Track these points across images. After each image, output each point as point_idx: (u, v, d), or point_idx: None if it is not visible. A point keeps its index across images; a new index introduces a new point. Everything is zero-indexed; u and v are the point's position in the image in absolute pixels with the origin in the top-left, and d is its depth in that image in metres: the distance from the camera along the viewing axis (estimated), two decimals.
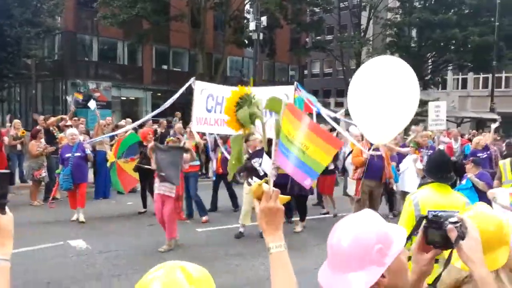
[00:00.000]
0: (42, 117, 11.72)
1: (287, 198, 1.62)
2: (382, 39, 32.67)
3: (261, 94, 6.97)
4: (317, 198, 10.71)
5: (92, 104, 11.30)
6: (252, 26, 18.63)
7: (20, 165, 11.69)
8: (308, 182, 1.61)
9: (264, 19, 18.95)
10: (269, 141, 1.61)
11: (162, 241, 7.54)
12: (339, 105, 46.65)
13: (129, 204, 10.15)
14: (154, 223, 8.71)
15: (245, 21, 28.21)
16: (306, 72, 47.65)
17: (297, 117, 1.69)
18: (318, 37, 36.89)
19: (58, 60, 31.62)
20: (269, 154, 1.72)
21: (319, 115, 8.93)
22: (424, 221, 1.35)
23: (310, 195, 8.88)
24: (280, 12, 27.69)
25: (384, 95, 3.92)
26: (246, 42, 28.72)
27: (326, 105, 45.33)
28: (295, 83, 8.15)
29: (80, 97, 11.94)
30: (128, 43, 30.84)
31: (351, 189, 8.55)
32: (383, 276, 1.22)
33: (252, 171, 7.13)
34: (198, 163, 9.33)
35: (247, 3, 28.86)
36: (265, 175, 8.04)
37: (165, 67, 34.71)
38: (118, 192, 10.67)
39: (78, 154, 8.51)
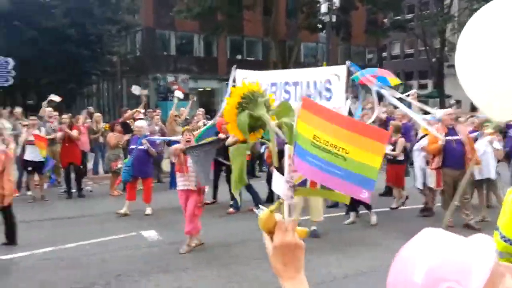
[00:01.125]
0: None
1: (305, 231, 1.27)
2: (468, 14, 30.17)
3: (307, 75, 6.33)
4: (386, 187, 9.86)
5: (135, 89, 11.51)
6: (324, 8, 17.95)
7: (102, 157, 12.25)
8: (365, 195, 1.28)
9: (336, 0, 18.16)
10: (281, 153, 1.30)
11: (233, 234, 7.44)
12: (423, 87, 44.15)
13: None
14: (223, 215, 8.68)
15: (318, 5, 27.41)
16: (385, 54, 45.58)
17: (322, 115, 1.33)
18: (397, 17, 34.99)
19: (140, 56, 33.05)
20: (280, 170, 1.39)
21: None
22: None
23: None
24: None
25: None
26: (320, 26, 27.94)
27: (408, 88, 43.19)
28: (347, 62, 7.49)
29: (144, 92, 12.14)
30: (203, 36, 31.39)
31: (431, 180, 7.80)
32: None
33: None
34: (248, 152, 9.02)
35: None
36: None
37: (239, 57, 34.93)
38: None
39: (141, 147, 8.55)
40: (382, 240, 6.89)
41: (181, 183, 6.55)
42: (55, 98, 11.47)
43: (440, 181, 7.50)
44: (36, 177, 9.88)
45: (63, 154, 9.95)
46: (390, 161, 8.71)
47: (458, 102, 24.12)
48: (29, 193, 9.83)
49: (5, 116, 11.28)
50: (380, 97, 8.02)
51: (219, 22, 28.40)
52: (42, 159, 9.43)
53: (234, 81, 8.55)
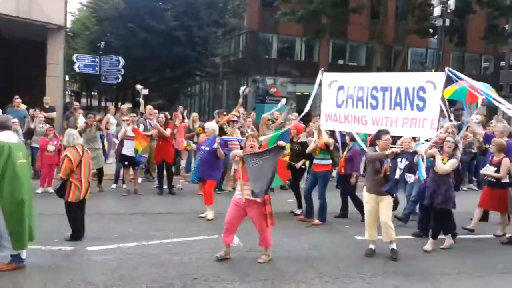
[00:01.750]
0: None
1: None
2: None
3: (398, 81, 5.49)
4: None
5: (242, 90, 11.28)
6: (437, 11, 16.61)
7: (196, 156, 12.41)
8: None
9: (451, 2, 16.69)
10: None
11: (318, 245, 6.98)
12: None
13: (290, 202, 9.81)
14: (310, 225, 8.24)
15: (431, 7, 25.68)
16: (503, 63, 41.57)
17: None
18: None
19: (242, 58, 33.71)
20: None
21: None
22: None
23: (453, 208, 7.02)
24: None
25: None
26: (431, 31, 26.16)
27: None
28: (446, 69, 6.58)
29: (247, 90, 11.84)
30: (305, 39, 31.10)
31: None
32: None
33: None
34: (330, 161, 8.32)
35: None
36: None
37: (341, 61, 34.08)
38: (280, 187, 10.44)
39: (207, 148, 8.15)
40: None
41: (238, 191, 6.11)
42: (143, 90, 11.76)
43: None
44: (131, 171, 10.23)
45: (157, 151, 10.20)
46: (492, 183, 7.59)
47: None
48: (124, 186, 10.20)
49: (112, 111, 11.89)
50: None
51: (322, 25, 27.91)
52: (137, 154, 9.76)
53: (320, 84, 8.02)
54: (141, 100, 11.70)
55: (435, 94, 6.55)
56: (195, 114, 12.89)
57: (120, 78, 17.49)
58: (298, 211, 8.94)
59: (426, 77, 6.72)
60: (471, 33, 30.36)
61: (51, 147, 9.61)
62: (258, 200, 5.91)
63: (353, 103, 7.45)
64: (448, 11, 16.81)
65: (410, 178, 6.30)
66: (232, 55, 34.60)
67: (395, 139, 6.92)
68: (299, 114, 13.30)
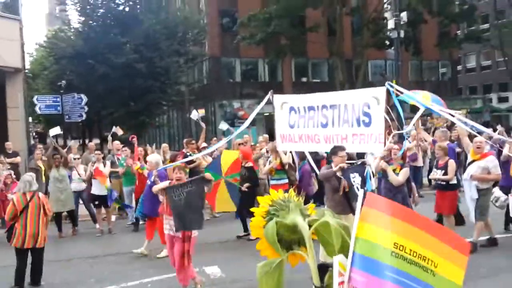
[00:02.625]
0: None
1: None
2: None
3: (345, 98, 5.61)
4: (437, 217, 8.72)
5: (194, 115, 11.17)
6: (391, 24, 17.16)
7: None
8: None
9: (404, 15, 17.30)
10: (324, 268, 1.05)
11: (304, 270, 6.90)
12: (503, 100, 41.10)
13: None
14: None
15: (384, 21, 26.56)
16: (459, 67, 43.18)
17: (398, 215, 0.99)
18: (471, 28, 33.06)
19: (207, 84, 33.79)
20: None
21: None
22: None
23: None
24: (423, 5, 25.41)
25: None
26: (387, 43, 26.99)
27: (487, 101, 40.43)
28: (387, 83, 6.67)
29: (201, 113, 11.61)
30: (268, 60, 31.51)
31: None
32: None
33: None
34: (286, 181, 8.40)
35: (385, 2, 27.17)
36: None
37: (304, 79, 34.62)
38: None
39: (149, 182, 7.59)
40: None
41: (167, 225, 5.90)
42: (118, 131, 11.64)
43: None
44: (103, 210, 9.95)
45: (138, 187, 9.84)
46: (442, 187, 7.59)
47: None
48: (97, 226, 9.90)
49: (75, 151, 11.58)
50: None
51: (282, 46, 28.38)
52: (106, 193, 9.50)
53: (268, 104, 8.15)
54: (109, 137, 11.52)
55: (379, 109, 6.60)
56: (165, 145, 12.73)
57: (84, 116, 17.20)
58: (241, 234, 8.85)
59: (370, 93, 6.78)
60: (425, 41, 31.46)
61: (10, 196, 9.19)
62: (177, 235, 5.71)
63: (305, 123, 7.55)
64: (402, 23, 17.39)
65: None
66: (197, 82, 34.65)
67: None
68: (269, 135, 13.41)
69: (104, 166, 9.92)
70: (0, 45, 15.32)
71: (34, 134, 46.74)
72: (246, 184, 8.85)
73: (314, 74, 35.10)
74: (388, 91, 6.65)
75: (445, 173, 7.44)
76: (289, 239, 1.09)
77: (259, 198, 1.16)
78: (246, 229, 8.87)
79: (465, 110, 32.75)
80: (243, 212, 8.97)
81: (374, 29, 27.31)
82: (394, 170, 7.00)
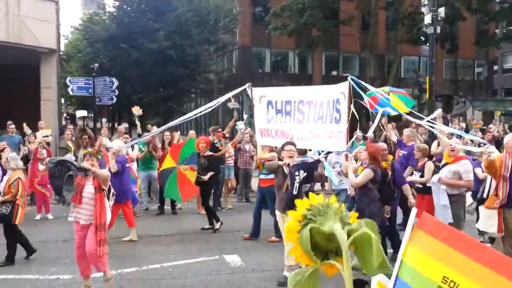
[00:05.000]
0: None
1: None
2: None
3: (320, 94, 5.37)
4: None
5: (232, 104, 10.89)
6: (427, 19, 16.68)
7: None
8: None
9: (441, 10, 16.78)
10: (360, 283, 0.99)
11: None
12: None
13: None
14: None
15: (421, 16, 25.90)
16: (496, 67, 41.83)
17: (456, 245, 0.80)
18: (510, 27, 31.87)
19: (236, 73, 33.80)
20: None
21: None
22: None
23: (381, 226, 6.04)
24: (461, 1, 24.64)
25: None
26: (423, 39, 26.33)
27: None
28: (349, 77, 6.42)
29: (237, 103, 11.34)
30: (298, 52, 31.23)
31: (491, 223, 6.16)
32: None
33: None
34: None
35: None
36: None
37: (334, 73, 34.20)
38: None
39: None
40: None
41: (73, 213, 5.49)
42: (137, 111, 11.71)
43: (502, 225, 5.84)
44: None
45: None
46: (420, 190, 7.14)
47: None
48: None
49: (105, 133, 11.77)
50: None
51: (314, 37, 28.06)
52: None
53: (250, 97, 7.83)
54: (137, 121, 11.63)
55: (345, 105, 6.35)
56: (192, 132, 12.82)
57: (115, 99, 17.45)
58: (206, 226, 8.75)
59: (339, 88, 6.51)
60: (462, 39, 30.58)
61: (41, 167, 9.36)
62: (83, 223, 5.38)
63: (282, 118, 7.29)
64: (439, 18, 16.88)
65: (305, 188, 5.99)
66: (226, 70, 34.70)
67: None
68: None
69: (132, 150, 10.04)
70: (36, 26, 15.66)
71: (66, 115, 47.85)
72: (210, 173, 8.76)
73: (345, 68, 34.63)
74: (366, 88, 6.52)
75: (422, 175, 7.01)
76: (325, 248, 1.03)
77: (297, 201, 1.09)
78: (211, 221, 8.77)
79: (499, 111, 31.82)
80: (207, 203, 8.89)
81: (409, 24, 26.67)
82: (357, 171, 6.63)
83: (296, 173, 5.94)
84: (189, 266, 6.66)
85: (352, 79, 6.43)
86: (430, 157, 7.67)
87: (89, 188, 5.37)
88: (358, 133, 6.86)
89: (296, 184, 5.90)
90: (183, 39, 23.56)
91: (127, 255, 7.20)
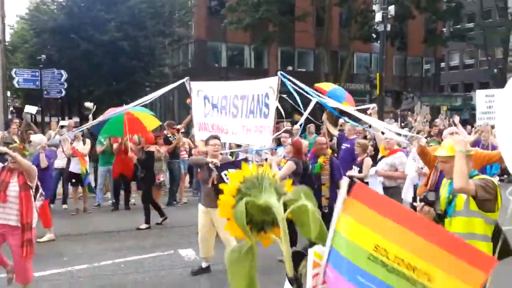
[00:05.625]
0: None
1: None
2: None
3: (252, 88, 5.47)
4: None
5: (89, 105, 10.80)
6: (378, 17, 17.17)
7: None
8: None
9: (391, 8, 17.32)
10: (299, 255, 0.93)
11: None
12: None
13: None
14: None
15: (372, 13, 26.63)
16: (443, 65, 43.64)
17: (390, 214, 0.79)
18: (457, 26, 33.36)
19: (192, 67, 33.42)
20: (298, 285, 0.99)
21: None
22: None
23: None
24: (411, 0, 25.50)
25: None
26: (374, 36, 27.07)
27: (467, 99, 41.04)
28: (279, 73, 6.60)
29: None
30: (253, 47, 31.29)
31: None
32: None
33: None
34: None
35: None
36: None
37: (290, 68, 34.52)
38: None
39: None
40: None
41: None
42: (89, 105, 11.39)
43: None
44: (80, 189, 9.80)
45: (116, 165, 9.75)
46: None
47: None
48: (64, 206, 9.83)
49: (54, 127, 11.37)
50: None
51: (269, 33, 28.19)
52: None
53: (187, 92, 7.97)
54: (90, 116, 11.27)
55: (273, 99, 6.47)
56: None
57: (64, 92, 16.84)
58: (144, 226, 8.44)
59: (267, 83, 6.62)
60: (411, 37, 31.65)
61: None
62: (14, 224, 4.92)
63: (217, 112, 7.33)
64: (389, 16, 17.40)
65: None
66: (181, 64, 34.26)
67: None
68: None
69: (84, 144, 9.74)
70: None
71: (12, 109, 45.67)
72: (144, 173, 8.67)
73: (300, 63, 35.03)
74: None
75: (361, 171, 7.14)
76: (262, 220, 1.01)
77: (229, 173, 1.09)
78: (161, 213, 8.65)
79: (445, 107, 33.23)
80: (147, 199, 8.69)
81: (362, 22, 27.34)
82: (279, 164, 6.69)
83: (225, 172, 5.64)
84: (142, 262, 6.55)
85: (281, 74, 6.49)
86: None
87: (14, 186, 4.91)
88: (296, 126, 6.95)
89: (227, 181, 5.70)
90: (136, 31, 23.06)
91: (78, 252, 7.00)
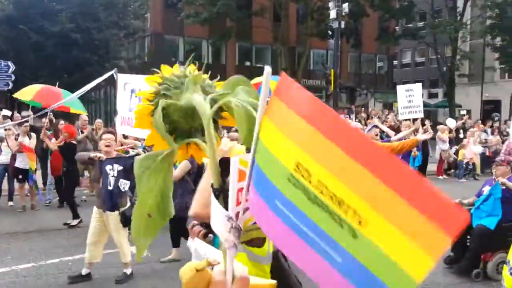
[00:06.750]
0: None
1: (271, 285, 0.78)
2: (481, 22, 29.59)
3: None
4: None
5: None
6: (332, 14, 17.50)
7: None
8: None
9: (346, 6, 17.69)
10: (226, 165, 0.71)
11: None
12: (433, 96, 43.36)
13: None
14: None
15: (328, 11, 27.08)
16: (395, 62, 44.97)
17: (322, 122, 0.56)
18: (409, 24, 34.45)
19: (148, 61, 32.84)
20: (224, 197, 0.73)
21: None
22: None
23: None
24: None
25: None
26: (330, 33, 27.55)
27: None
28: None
29: None
30: (212, 41, 31.11)
31: None
32: None
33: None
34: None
35: None
36: None
37: (248, 63, 34.60)
38: None
39: None
40: None
41: None
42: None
43: None
44: (26, 185, 9.48)
45: (54, 162, 9.48)
46: None
47: (468, 112, 23.43)
48: (10, 204, 9.51)
49: (1, 122, 10.90)
50: None
51: (227, 28, 28.12)
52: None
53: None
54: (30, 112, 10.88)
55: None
56: (98, 121, 12.32)
57: (11, 85, 16.14)
58: (74, 222, 8.34)
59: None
60: (366, 35, 32.39)
61: None
62: None
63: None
64: (343, 14, 17.78)
65: (125, 185, 5.57)
66: (137, 58, 33.61)
67: None
68: None
69: (30, 138, 9.42)
70: None
71: None
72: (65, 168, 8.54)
73: (258, 59, 35.15)
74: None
75: None
76: (188, 128, 0.81)
77: (146, 77, 0.91)
78: (76, 215, 8.37)
79: (397, 103, 34.28)
80: (69, 197, 8.56)
81: (318, 19, 27.73)
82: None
83: (110, 167, 5.48)
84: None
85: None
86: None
87: None
88: None
89: (111, 179, 5.45)
90: (89, 22, 22.35)
91: (24, 251, 6.80)
